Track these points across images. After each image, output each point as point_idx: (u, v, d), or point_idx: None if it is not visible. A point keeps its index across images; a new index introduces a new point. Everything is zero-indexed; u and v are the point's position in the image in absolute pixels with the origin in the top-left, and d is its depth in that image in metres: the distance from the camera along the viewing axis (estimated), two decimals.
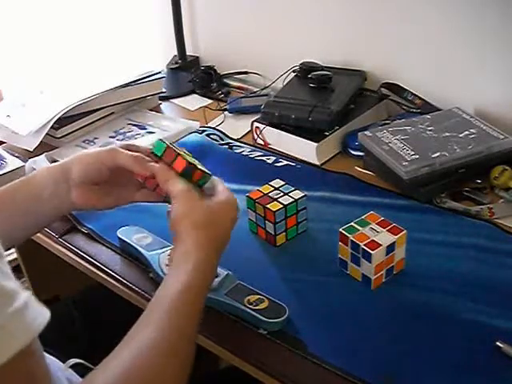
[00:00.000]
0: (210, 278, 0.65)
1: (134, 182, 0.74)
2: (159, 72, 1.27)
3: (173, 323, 0.57)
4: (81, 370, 0.73)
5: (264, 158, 1.06)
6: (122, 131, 1.17)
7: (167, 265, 0.76)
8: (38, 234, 0.90)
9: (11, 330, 0.41)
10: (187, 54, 1.48)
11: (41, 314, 0.45)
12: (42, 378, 0.46)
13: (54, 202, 0.72)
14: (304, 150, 1.04)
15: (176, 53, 1.47)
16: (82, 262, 0.85)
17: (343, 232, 0.75)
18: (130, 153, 0.71)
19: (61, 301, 1.06)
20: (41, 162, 1.01)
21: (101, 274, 0.82)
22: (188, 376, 0.56)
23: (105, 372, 0.52)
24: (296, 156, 1.05)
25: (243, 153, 1.08)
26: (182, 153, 0.70)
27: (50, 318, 0.45)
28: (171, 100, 1.33)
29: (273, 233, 0.82)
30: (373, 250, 0.72)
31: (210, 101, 1.30)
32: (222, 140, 1.12)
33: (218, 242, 0.66)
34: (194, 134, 1.13)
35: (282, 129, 1.07)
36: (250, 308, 0.70)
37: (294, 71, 1.20)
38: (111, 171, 0.72)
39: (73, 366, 0.76)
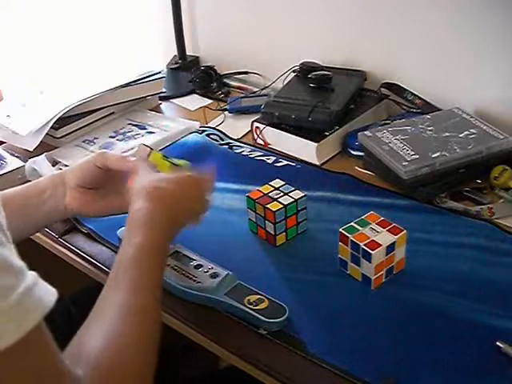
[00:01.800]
0: (160, 239, 0.65)
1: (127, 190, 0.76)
2: (159, 72, 1.27)
3: (137, 286, 0.60)
4: None
5: (264, 158, 1.06)
6: (122, 131, 1.17)
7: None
8: (38, 234, 0.90)
9: (26, 306, 0.43)
10: (187, 53, 1.47)
11: (49, 290, 0.47)
12: (55, 352, 0.48)
13: (51, 203, 0.76)
14: (304, 150, 1.04)
15: (176, 53, 1.47)
16: (82, 261, 0.85)
17: (343, 232, 0.75)
18: (116, 155, 0.78)
19: (60, 300, 1.06)
20: (41, 162, 1.01)
21: (101, 273, 0.82)
22: (158, 335, 0.58)
23: (90, 339, 0.54)
24: (296, 156, 1.05)
25: (243, 153, 1.08)
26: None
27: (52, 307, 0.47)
28: (171, 100, 1.33)
29: (273, 233, 0.82)
30: (373, 250, 0.72)
31: (210, 101, 1.30)
32: (222, 140, 1.12)
33: (171, 204, 0.68)
34: (194, 133, 1.13)
35: (282, 129, 1.07)
36: (250, 308, 0.70)
37: (293, 71, 1.20)
38: (103, 173, 0.76)
39: None
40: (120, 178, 0.76)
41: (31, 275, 0.45)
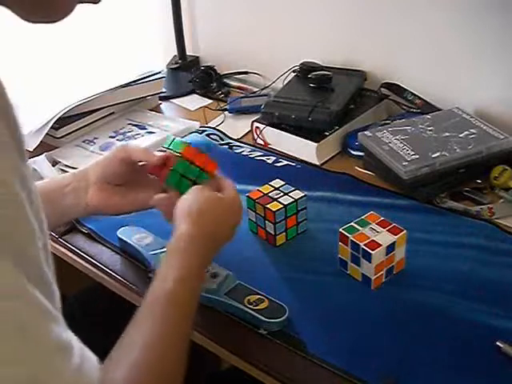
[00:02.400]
0: (200, 271, 0.64)
1: (151, 187, 0.76)
2: (159, 72, 1.27)
3: (168, 320, 0.57)
4: None
5: (264, 158, 1.06)
6: (122, 131, 1.17)
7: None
8: None
9: None
10: (187, 54, 1.47)
11: (93, 362, 0.45)
12: None
13: (71, 198, 0.75)
14: (304, 150, 1.04)
15: (176, 53, 1.47)
16: (82, 262, 0.85)
17: (343, 232, 0.75)
18: (140, 147, 0.77)
19: (63, 300, 1.06)
20: (41, 162, 1.01)
21: (101, 274, 0.82)
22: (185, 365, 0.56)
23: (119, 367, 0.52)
24: (296, 156, 1.05)
25: (243, 153, 1.08)
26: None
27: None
28: (171, 100, 1.33)
29: (273, 233, 0.82)
30: (373, 250, 0.72)
31: (210, 101, 1.30)
32: (222, 140, 1.12)
33: (212, 231, 0.67)
34: (194, 133, 1.13)
35: (282, 129, 1.07)
36: (250, 308, 0.70)
37: (293, 71, 1.20)
38: (127, 167, 0.75)
39: None
40: (142, 174, 0.76)
41: (77, 349, 0.43)
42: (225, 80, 1.37)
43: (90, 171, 0.77)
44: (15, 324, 0.39)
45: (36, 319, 0.41)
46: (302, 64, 1.18)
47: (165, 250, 0.79)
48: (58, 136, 1.12)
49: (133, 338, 0.55)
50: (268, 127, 1.08)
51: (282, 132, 1.07)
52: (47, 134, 1.09)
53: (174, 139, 0.76)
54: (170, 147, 0.75)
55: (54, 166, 1.04)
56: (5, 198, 0.41)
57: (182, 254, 0.62)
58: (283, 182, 0.86)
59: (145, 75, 1.24)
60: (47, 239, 0.47)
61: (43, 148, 1.08)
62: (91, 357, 0.45)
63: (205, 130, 1.14)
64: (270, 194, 0.84)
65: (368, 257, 0.72)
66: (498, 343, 0.64)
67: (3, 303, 0.39)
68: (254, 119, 1.11)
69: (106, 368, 0.52)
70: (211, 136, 1.12)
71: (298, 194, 0.84)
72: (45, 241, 0.46)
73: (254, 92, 1.30)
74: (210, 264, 0.68)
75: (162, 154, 0.74)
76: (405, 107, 1.13)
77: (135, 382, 0.51)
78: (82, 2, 0.53)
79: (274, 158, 1.05)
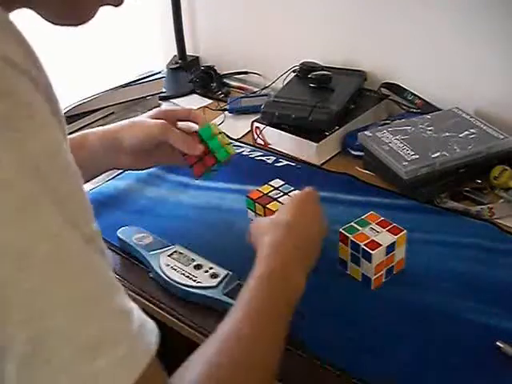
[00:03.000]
0: (292, 299, 0.61)
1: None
2: (159, 72, 1.27)
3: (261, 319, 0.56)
4: None
5: (264, 158, 1.06)
6: None
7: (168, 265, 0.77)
8: None
9: (137, 352, 0.42)
10: (187, 53, 1.47)
11: (152, 328, 0.45)
12: None
13: (104, 161, 0.85)
14: (304, 149, 1.04)
15: (176, 53, 1.47)
16: None
17: (343, 232, 0.75)
18: (181, 132, 0.81)
19: None
20: None
21: None
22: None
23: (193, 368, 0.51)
24: (296, 156, 1.05)
25: (243, 153, 1.08)
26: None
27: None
28: (171, 100, 1.33)
29: None
30: (373, 250, 0.72)
31: (210, 101, 1.30)
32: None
33: (304, 260, 0.65)
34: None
35: (282, 129, 1.07)
36: None
37: (294, 71, 1.20)
38: (161, 143, 0.82)
39: None
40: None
41: (137, 315, 0.44)
42: (225, 80, 1.37)
43: (121, 138, 0.83)
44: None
45: (102, 290, 0.42)
46: (301, 64, 1.18)
47: (164, 250, 0.79)
48: None
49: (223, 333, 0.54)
50: (268, 127, 1.08)
51: (282, 132, 1.07)
52: None
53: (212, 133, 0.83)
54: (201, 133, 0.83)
55: None
56: (70, 171, 0.43)
57: (270, 254, 0.63)
58: (283, 182, 0.86)
59: (145, 75, 1.24)
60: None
61: None
62: (149, 323, 0.46)
63: None
64: (269, 194, 0.84)
65: (368, 257, 0.72)
66: (497, 343, 0.64)
67: (80, 278, 0.41)
68: (254, 119, 1.11)
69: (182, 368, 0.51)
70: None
71: None
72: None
73: (254, 92, 1.30)
74: (305, 273, 0.65)
75: (201, 147, 0.81)
76: (405, 107, 1.13)
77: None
78: (104, 5, 0.57)
79: (274, 158, 1.05)
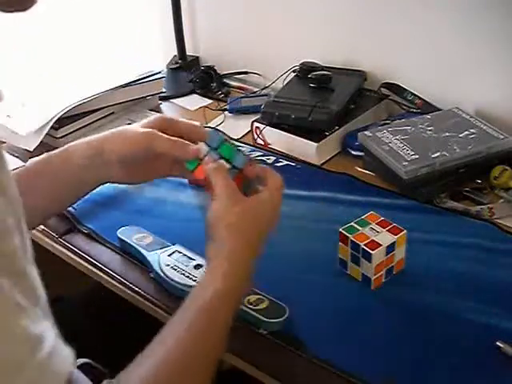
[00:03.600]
0: (241, 283, 0.62)
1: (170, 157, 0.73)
2: (159, 72, 1.27)
3: (201, 329, 0.57)
4: (87, 370, 0.73)
5: (264, 158, 1.06)
6: None
7: (174, 268, 0.76)
8: (38, 234, 0.90)
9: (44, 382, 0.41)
10: (187, 54, 1.47)
11: (64, 357, 0.44)
12: None
13: (91, 174, 0.74)
14: (304, 149, 1.04)
15: (176, 53, 1.47)
16: (82, 262, 0.85)
17: (343, 232, 0.75)
18: (167, 138, 0.71)
19: (62, 301, 1.06)
20: None
21: (101, 274, 0.82)
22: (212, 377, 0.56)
23: (139, 370, 0.52)
24: (296, 156, 1.05)
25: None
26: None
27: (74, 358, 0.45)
28: (171, 100, 1.33)
29: None
30: (373, 250, 0.72)
31: (210, 101, 1.30)
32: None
33: (253, 246, 0.64)
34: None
35: (282, 129, 1.07)
36: (250, 308, 0.70)
37: (293, 71, 1.20)
38: (145, 156, 0.72)
39: (79, 366, 0.75)
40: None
41: (48, 344, 0.43)
42: (225, 80, 1.37)
43: (107, 149, 0.72)
44: None
45: (2, 312, 0.41)
46: (301, 64, 1.18)
47: (164, 249, 0.80)
48: (58, 136, 1.12)
49: (159, 344, 0.55)
50: (268, 127, 1.08)
51: (282, 132, 1.07)
52: (47, 133, 1.09)
53: (222, 140, 0.70)
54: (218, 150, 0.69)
55: None
56: None
57: (222, 267, 0.60)
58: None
59: (145, 75, 1.24)
60: (26, 234, 0.47)
61: (43, 148, 1.08)
62: (64, 351, 0.45)
63: None
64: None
65: (368, 257, 0.72)
66: (497, 343, 0.64)
67: None
68: (254, 119, 1.11)
69: (129, 369, 0.52)
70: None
71: None
72: (22, 236, 0.46)
73: (254, 92, 1.30)
74: (253, 271, 0.64)
75: (194, 149, 0.70)
76: (405, 107, 1.13)
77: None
78: None
79: (274, 158, 1.05)
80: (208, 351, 0.56)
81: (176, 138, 0.71)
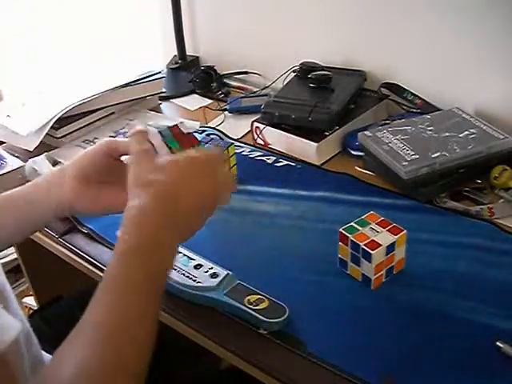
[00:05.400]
0: (159, 240, 0.56)
1: None
2: (159, 72, 1.27)
3: (116, 302, 0.52)
4: None
5: (264, 158, 1.06)
6: (122, 131, 1.17)
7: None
8: (38, 234, 0.90)
9: None
10: (187, 53, 1.48)
11: (7, 329, 0.44)
12: None
13: (47, 202, 0.69)
14: (304, 149, 1.04)
15: (176, 53, 1.47)
16: (82, 261, 0.85)
17: (343, 232, 0.75)
18: (122, 139, 0.69)
19: (62, 301, 1.06)
20: (41, 162, 1.01)
21: (101, 274, 0.82)
22: (149, 351, 0.52)
23: (66, 363, 0.49)
24: (296, 156, 1.05)
25: (243, 153, 1.08)
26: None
27: (19, 330, 0.45)
28: (171, 100, 1.33)
29: None
30: (373, 250, 0.72)
31: (210, 101, 1.30)
32: (222, 140, 1.12)
33: (173, 200, 0.58)
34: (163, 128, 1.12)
35: (282, 129, 1.07)
36: (250, 308, 0.70)
37: (294, 71, 1.20)
38: (109, 163, 0.68)
39: None
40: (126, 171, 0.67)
41: None
42: (225, 80, 1.37)
43: (66, 168, 0.69)
44: None
45: None
46: (301, 64, 1.18)
47: None
48: (58, 136, 1.12)
49: (86, 322, 0.52)
50: (268, 127, 1.08)
51: (282, 132, 1.07)
52: (47, 133, 1.09)
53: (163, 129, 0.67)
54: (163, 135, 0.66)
55: (54, 165, 1.03)
56: None
57: (132, 226, 0.56)
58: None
59: (145, 75, 1.24)
60: None
61: (43, 148, 1.08)
62: (8, 321, 0.44)
63: (205, 130, 1.14)
64: None
65: (368, 257, 0.72)
66: (498, 343, 0.64)
67: None
68: (254, 119, 1.11)
69: (53, 362, 0.50)
70: (211, 136, 1.12)
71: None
72: None
73: (254, 92, 1.30)
74: (185, 239, 0.60)
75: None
76: (405, 107, 1.13)
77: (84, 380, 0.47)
78: None
79: (274, 158, 1.05)
80: (126, 323, 0.52)
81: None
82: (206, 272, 0.75)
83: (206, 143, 0.93)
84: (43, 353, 0.69)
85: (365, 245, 0.72)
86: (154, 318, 0.54)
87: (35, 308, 1.35)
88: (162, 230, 0.57)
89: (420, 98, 1.11)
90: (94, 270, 0.83)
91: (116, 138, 0.70)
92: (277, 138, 1.08)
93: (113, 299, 0.52)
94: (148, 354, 0.52)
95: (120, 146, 0.67)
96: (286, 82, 1.18)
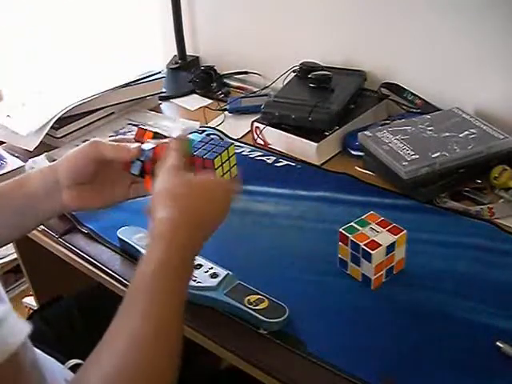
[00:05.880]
0: (186, 255, 0.59)
1: (126, 178, 0.74)
2: (159, 72, 1.27)
3: (149, 313, 0.54)
4: None
5: (264, 158, 1.06)
6: (122, 131, 1.17)
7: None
8: (38, 234, 0.90)
9: None
10: (187, 54, 1.48)
11: (19, 330, 0.44)
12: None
13: (47, 202, 0.71)
14: (304, 149, 1.04)
15: (176, 53, 1.47)
16: (82, 261, 0.85)
17: (343, 232, 0.75)
18: (110, 143, 0.71)
19: (62, 301, 1.06)
20: (41, 162, 1.01)
21: (101, 273, 0.82)
22: (178, 360, 0.54)
23: (98, 369, 0.50)
24: (296, 156, 1.05)
25: (243, 153, 1.08)
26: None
27: (30, 331, 0.45)
28: (171, 100, 1.33)
29: None
30: (373, 250, 0.72)
31: (210, 101, 1.30)
32: (222, 140, 1.12)
33: (197, 216, 0.61)
34: (193, 134, 1.13)
35: (282, 129, 1.07)
36: (250, 308, 0.70)
37: (294, 71, 1.20)
38: (98, 165, 0.71)
39: (73, 366, 0.75)
40: (116, 167, 0.72)
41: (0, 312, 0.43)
42: (225, 80, 1.37)
43: (59, 171, 0.71)
44: None
45: None
46: (301, 64, 1.18)
47: None
48: (58, 136, 1.12)
49: (114, 334, 0.53)
50: (268, 127, 1.08)
51: (282, 132, 1.07)
52: (47, 133, 1.09)
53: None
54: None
55: None
56: None
57: (164, 241, 0.58)
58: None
59: (145, 75, 1.24)
60: None
61: (43, 148, 1.08)
62: (16, 326, 0.44)
63: (205, 130, 1.14)
64: None
65: (368, 257, 0.72)
66: (498, 343, 0.64)
67: None
68: (254, 119, 1.11)
69: (85, 368, 0.51)
70: (211, 136, 1.12)
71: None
72: None
73: (254, 92, 1.30)
74: (198, 253, 0.62)
75: (134, 147, 0.70)
76: (405, 107, 1.13)
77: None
78: None
79: (274, 158, 1.05)
80: (162, 332, 0.54)
81: (117, 143, 0.72)
82: (206, 272, 0.75)
83: (206, 143, 0.94)
84: (45, 356, 0.69)
85: (365, 245, 0.72)
86: (182, 326, 0.57)
87: (35, 308, 1.35)
88: (191, 240, 0.60)
89: (420, 98, 1.11)
90: (93, 269, 0.83)
91: (103, 141, 0.71)
92: (277, 138, 1.08)
93: (147, 310, 0.54)
94: (178, 362, 0.54)
95: (104, 153, 0.70)
96: (285, 82, 1.18)
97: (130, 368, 0.50)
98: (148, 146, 0.72)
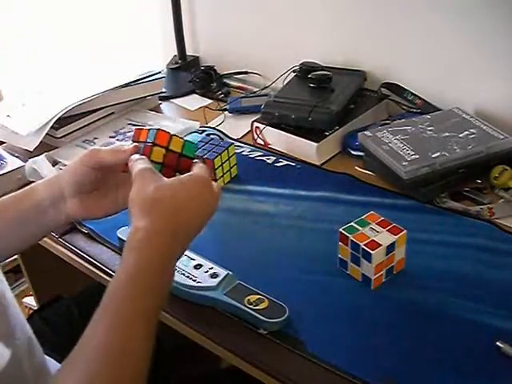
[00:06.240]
0: (163, 262, 0.58)
1: (129, 180, 0.73)
2: (159, 72, 1.27)
3: (118, 321, 0.53)
4: None
5: (264, 158, 1.06)
6: (122, 131, 1.17)
7: None
8: None
9: None
10: (187, 54, 1.48)
11: None
12: None
13: (53, 213, 0.71)
14: (304, 149, 1.04)
15: (176, 53, 1.47)
16: (82, 261, 0.85)
17: (343, 232, 0.75)
18: (106, 149, 0.70)
19: (62, 301, 1.06)
20: (41, 162, 1.01)
21: (101, 273, 0.82)
22: (146, 371, 0.53)
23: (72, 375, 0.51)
24: (296, 156, 1.05)
25: (243, 153, 1.08)
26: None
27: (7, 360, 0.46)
28: (171, 100, 1.33)
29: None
30: (373, 250, 0.72)
31: (210, 101, 1.30)
32: (222, 140, 1.12)
33: (175, 219, 0.60)
34: (194, 134, 1.13)
35: (282, 129, 1.07)
36: (250, 308, 0.70)
37: (294, 71, 1.20)
38: (99, 172, 0.71)
39: None
40: (118, 171, 0.71)
41: None
42: (225, 80, 1.37)
43: (62, 182, 0.71)
44: None
45: None
46: (302, 64, 1.18)
47: None
48: (58, 136, 1.12)
49: (87, 342, 0.53)
50: (268, 127, 1.08)
51: (282, 132, 1.07)
52: (47, 134, 1.09)
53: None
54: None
55: (54, 165, 1.04)
56: None
57: (136, 252, 0.57)
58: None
59: (145, 75, 1.24)
60: None
61: (43, 148, 1.08)
62: None
63: (205, 130, 1.14)
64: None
65: (368, 257, 0.72)
66: (498, 343, 0.64)
67: None
68: (254, 119, 1.11)
69: (60, 374, 0.51)
70: (211, 136, 1.12)
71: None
72: None
73: (254, 92, 1.30)
74: (180, 257, 0.62)
75: (130, 147, 0.69)
76: (405, 107, 1.13)
77: None
78: None
79: (274, 158, 1.05)
80: (126, 348, 0.53)
81: (111, 146, 0.72)
82: (206, 272, 0.75)
83: (206, 143, 0.94)
84: (46, 357, 0.69)
85: (365, 245, 0.72)
86: (154, 334, 0.55)
87: (35, 308, 1.35)
88: (169, 247, 0.59)
89: (420, 98, 1.11)
90: (93, 270, 0.83)
91: (99, 148, 0.71)
92: (277, 138, 1.08)
93: (117, 320, 0.53)
94: (146, 370, 0.53)
95: (103, 159, 0.69)
96: (285, 82, 1.18)
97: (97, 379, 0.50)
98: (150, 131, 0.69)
